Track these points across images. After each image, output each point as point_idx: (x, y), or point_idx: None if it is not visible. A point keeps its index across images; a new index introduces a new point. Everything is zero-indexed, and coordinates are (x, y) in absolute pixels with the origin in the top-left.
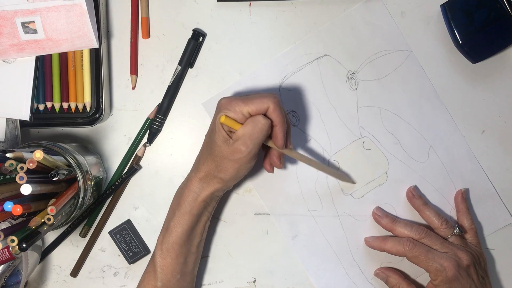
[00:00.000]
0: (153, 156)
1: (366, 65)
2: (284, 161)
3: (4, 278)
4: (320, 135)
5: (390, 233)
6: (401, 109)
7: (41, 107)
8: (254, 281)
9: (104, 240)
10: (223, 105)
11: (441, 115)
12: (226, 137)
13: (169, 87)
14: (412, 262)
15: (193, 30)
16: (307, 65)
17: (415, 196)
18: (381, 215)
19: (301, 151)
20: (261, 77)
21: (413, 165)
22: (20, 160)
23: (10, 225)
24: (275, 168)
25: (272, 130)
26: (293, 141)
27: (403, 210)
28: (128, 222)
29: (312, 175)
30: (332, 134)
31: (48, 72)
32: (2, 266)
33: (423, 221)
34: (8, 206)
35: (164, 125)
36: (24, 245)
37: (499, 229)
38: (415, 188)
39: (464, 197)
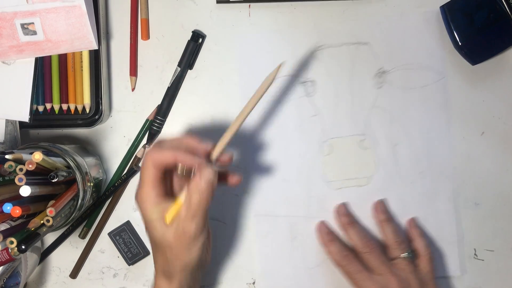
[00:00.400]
0: None
1: (399, 70)
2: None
3: (4, 280)
4: (327, 114)
5: None
6: (411, 126)
7: (41, 108)
8: (254, 283)
9: (104, 241)
10: (141, 206)
11: (442, 151)
12: (163, 227)
13: (168, 88)
14: (343, 274)
15: (193, 32)
16: (345, 45)
17: (380, 210)
18: (341, 213)
19: (303, 123)
20: (298, 34)
21: (397, 182)
22: (20, 161)
23: (9, 226)
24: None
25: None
26: (296, 110)
27: (369, 219)
28: (128, 223)
29: (301, 149)
30: (338, 119)
31: (48, 73)
32: (2, 267)
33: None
34: (7, 207)
35: (164, 126)
36: (23, 247)
37: (441, 276)
38: (382, 202)
39: (413, 224)
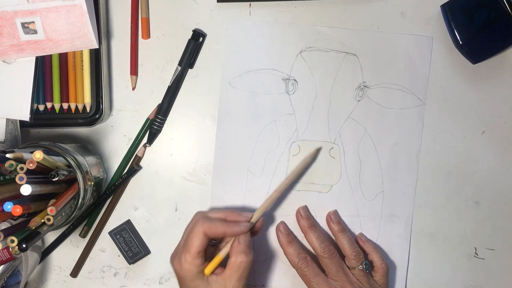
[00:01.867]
0: (153, 156)
1: (381, 87)
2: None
3: (4, 279)
4: (302, 116)
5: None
6: (381, 145)
7: (41, 107)
8: (254, 281)
9: (104, 240)
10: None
11: (407, 177)
12: (206, 286)
13: (169, 87)
14: (299, 276)
15: (193, 31)
16: (334, 52)
17: (333, 221)
18: (303, 216)
19: (277, 118)
20: (291, 31)
21: (357, 196)
22: (20, 160)
23: (10, 225)
24: None
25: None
26: (274, 104)
27: (323, 223)
28: (128, 222)
29: (271, 144)
30: (312, 122)
31: (48, 72)
32: (2, 266)
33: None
34: (8, 206)
35: (164, 125)
36: (24, 246)
37: None
38: (335, 213)
39: (365, 238)
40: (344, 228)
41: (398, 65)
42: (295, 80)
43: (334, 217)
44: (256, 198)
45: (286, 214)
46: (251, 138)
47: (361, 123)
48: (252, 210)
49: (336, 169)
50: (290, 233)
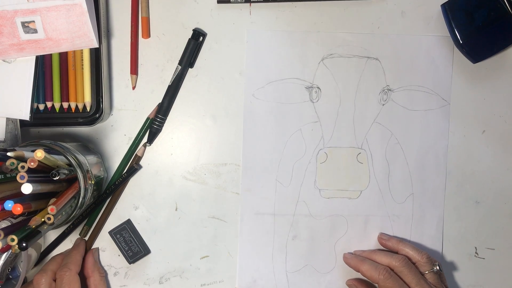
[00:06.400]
0: (153, 156)
1: (405, 90)
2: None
3: (8, 269)
4: (328, 123)
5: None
6: (409, 148)
7: (41, 106)
8: (254, 281)
9: (104, 240)
10: None
11: (436, 178)
12: None
13: (169, 87)
14: None
15: (193, 30)
16: (357, 57)
17: (387, 239)
18: (386, 238)
19: (303, 127)
20: (311, 39)
21: (387, 200)
22: (21, 159)
23: (10, 224)
24: None
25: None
26: (298, 113)
27: (355, 228)
28: (128, 222)
29: (298, 152)
30: (338, 129)
31: (48, 71)
32: (3, 259)
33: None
34: (9, 205)
35: (164, 125)
36: (24, 244)
37: None
38: (383, 233)
39: (386, 238)
40: (400, 239)
41: (420, 66)
42: (318, 87)
43: (385, 236)
44: (286, 208)
45: (313, 218)
46: (278, 148)
47: (387, 126)
48: (283, 218)
49: (364, 174)
50: (355, 256)
